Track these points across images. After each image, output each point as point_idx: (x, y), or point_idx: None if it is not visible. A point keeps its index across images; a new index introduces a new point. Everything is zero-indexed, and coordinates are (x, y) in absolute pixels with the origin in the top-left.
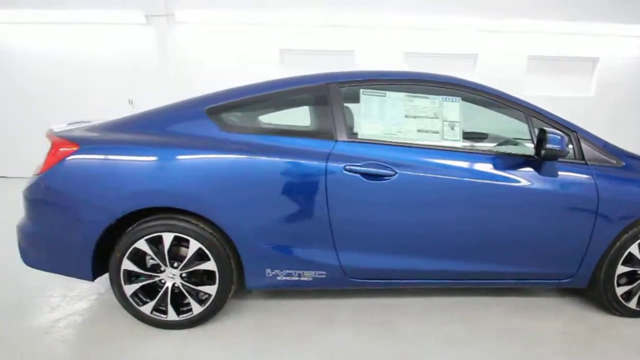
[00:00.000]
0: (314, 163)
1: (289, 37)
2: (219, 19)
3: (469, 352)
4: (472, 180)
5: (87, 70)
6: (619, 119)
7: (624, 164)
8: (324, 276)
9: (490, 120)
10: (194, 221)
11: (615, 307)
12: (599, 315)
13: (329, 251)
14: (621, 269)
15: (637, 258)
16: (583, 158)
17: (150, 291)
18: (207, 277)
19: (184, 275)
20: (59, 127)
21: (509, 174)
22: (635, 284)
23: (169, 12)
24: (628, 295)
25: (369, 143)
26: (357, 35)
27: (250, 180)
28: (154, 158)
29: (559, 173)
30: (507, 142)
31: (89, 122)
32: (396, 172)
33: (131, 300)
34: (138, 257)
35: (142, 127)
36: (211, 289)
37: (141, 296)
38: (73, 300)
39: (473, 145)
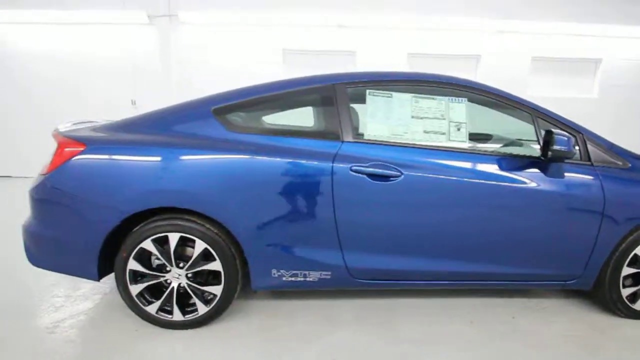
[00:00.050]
0: (320, 164)
1: (291, 38)
2: (222, 19)
3: (471, 353)
4: (478, 181)
5: (89, 71)
6: (622, 121)
7: (630, 165)
8: (329, 277)
9: (495, 121)
10: (199, 221)
11: (620, 309)
12: (604, 316)
13: (335, 252)
14: (627, 270)
15: None
16: (589, 159)
17: (155, 291)
18: (212, 278)
19: (189, 275)
20: (65, 126)
21: (515, 175)
22: None
23: (172, 12)
24: (633, 297)
25: (375, 144)
26: (360, 35)
27: (256, 181)
28: (160, 158)
29: (565, 174)
30: (512, 143)
31: (94, 122)
32: (402, 173)
33: (137, 300)
34: (144, 257)
35: (148, 127)
36: (217, 289)
37: (147, 296)
38: (78, 300)
39: (479, 147)
